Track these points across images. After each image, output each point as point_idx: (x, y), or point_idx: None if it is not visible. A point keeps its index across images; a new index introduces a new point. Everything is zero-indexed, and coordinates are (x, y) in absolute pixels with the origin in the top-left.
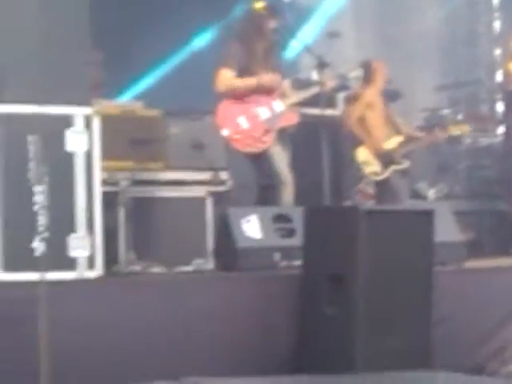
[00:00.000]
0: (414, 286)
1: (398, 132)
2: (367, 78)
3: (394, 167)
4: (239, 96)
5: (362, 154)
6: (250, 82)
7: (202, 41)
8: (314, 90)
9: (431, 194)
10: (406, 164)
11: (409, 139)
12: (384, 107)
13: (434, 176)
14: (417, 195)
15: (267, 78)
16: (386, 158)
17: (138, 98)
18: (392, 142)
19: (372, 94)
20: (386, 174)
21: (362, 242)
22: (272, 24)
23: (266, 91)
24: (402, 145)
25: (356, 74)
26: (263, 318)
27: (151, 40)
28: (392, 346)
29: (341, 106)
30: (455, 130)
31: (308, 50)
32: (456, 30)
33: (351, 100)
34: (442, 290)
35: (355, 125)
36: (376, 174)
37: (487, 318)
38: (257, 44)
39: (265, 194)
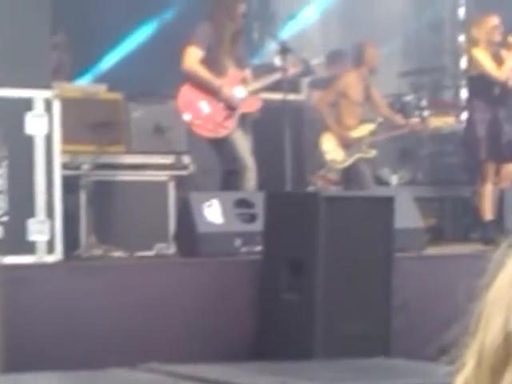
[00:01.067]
0: (373, 272)
1: (378, 113)
2: (355, 62)
3: (358, 155)
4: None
5: (327, 140)
6: (212, 81)
7: (165, 20)
8: (276, 76)
9: (394, 180)
10: (371, 153)
11: (385, 126)
12: (364, 91)
13: (396, 162)
14: (379, 181)
15: (228, 91)
16: (353, 146)
17: (100, 79)
18: (361, 130)
19: (350, 82)
20: (349, 162)
21: (322, 228)
22: (242, 8)
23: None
24: (372, 133)
25: (318, 61)
26: (223, 303)
27: (112, 19)
28: (351, 332)
29: (305, 90)
30: (437, 122)
31: (271, 35)
32: (421, 15)
33: (315, 85)
34: (402, 277)
35: (325, 107)
36: (337, 161)
37: (447, 305)
38: (227, 27)
39: (227, 178)
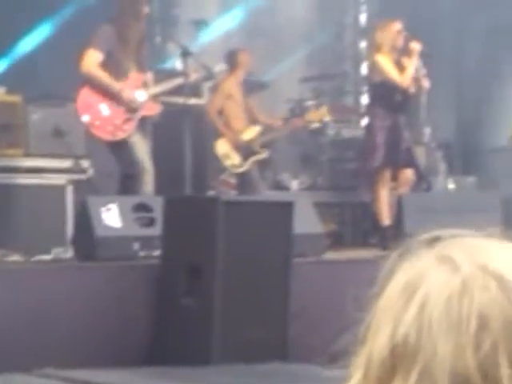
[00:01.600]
0: (272, 277)
1: (256, 122)
2: (230, 67)
3: (253, 158)
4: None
5: (222, 146)
6: (111, 85)
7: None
8: (178, 80)
9: (294, 185)
10: (264, 154)
11: (268, 129)
12: (243, 97)
13: (297, 167)
14: (280, 186)
15: (128, 95)
16: (246, 150)
17: None
18: (250, 133)
19: (231, 85)
20: (247, 166)
21: (221, 233)
22: (147, 9)
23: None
24: (260, 134)
25: (220, 67)
26: (121, 308)
27: (6, 18)
28: (249, 338)
29: (206, 95)
30: (313, 116)
31: (172, 39)
32: (323, 22)
33: (213, 91)
34: (301, 282)
35: (215, 115)
36: (235, 166)
37: (344, 311)
38: (132, 29)
39: (125, 182)
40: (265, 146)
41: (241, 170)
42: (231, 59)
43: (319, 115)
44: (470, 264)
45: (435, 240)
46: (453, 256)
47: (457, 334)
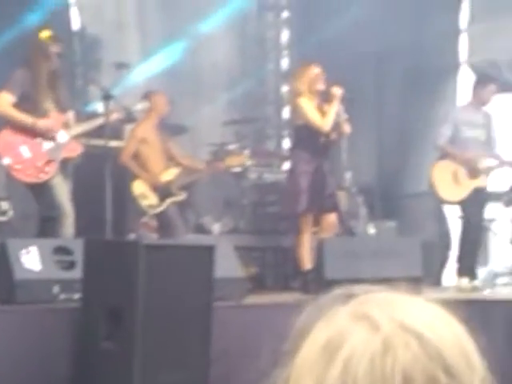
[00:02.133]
0: (193, 321)
1: (176, 164)
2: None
3: (170, 199)
4: (18, 126)
5: (138, 186)
6: (25, 119)
7: None
8: (98, 121)
9: (216, 228)
10: (182, 196)
11: (187, 171)
12: (161, 140)
13: (219, 211)
14: (201, 229)
15: (43, 123)
16: (163, 191)
17: None
18: (168, 175)
19: (146, 129)
20: (163, 207)
21: (142, 277)
22: (56, 49)
23: (41, 133)
24: (178, 177)
25: (141, 106)
26: (41, 352)
27: None
28: (170, 381)
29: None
30: (234, 161)
31: (94, 82)
32: (245, 65)
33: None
34: (222, 325)
35: (129, 159)
36: (152, 206)
37: (267, 355)
38: (42, 68)
39: (46, 225)
40: (184, 188)
41: (157, 210)
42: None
43: (240, 160)
44: (389, 322)
45: (349, 296)
46: (370, 314)
47: None
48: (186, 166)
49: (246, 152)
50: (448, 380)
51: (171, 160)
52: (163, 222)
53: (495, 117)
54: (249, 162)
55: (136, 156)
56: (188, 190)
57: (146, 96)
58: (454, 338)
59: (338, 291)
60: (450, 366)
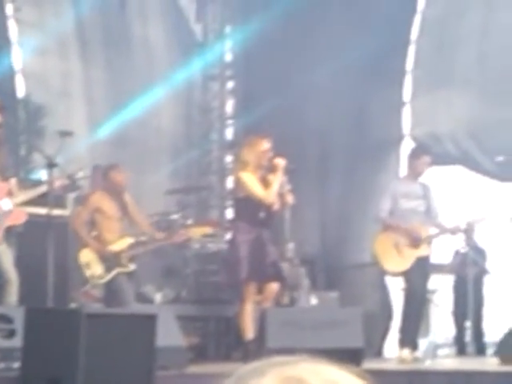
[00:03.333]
0: None
1: (138, 229)
2: (103, 181)
3: (118, 270)
4: None
5: (85, 255)
6: None
7: None
8: (42, 188)
9: (158, 297)
10: (131, 267)
11: (140, 241)
12: (118, 207)
13: (161, 280)
14: (143, 298)
15: None
16: (112, 261)
17: None
18: (120, 244)
19: (100, 198)
20: (109, 277)
21: (83, 345)
22: (0, 116)
23: None
24: (130, 247)
25: (83, 174)
26: None
27: None
28: None
29: (70, 206)
30: (197, 232)
31: (37, 148)
32: (190, 133)
33: (80, 202)
34: None
35: (80, 226)
36: (97, 276)
37: None
38: None
39: None
40: (132, 258)
41: (101, 281)
42: (101, 175)
43: (203, 230)
44: (319, 381)
45: (276, 364)
46: (300, 375)
47: None
48: (145, 232)
49: (211, 223)
50: None
51: (133, 225)
52: (110, 292)
53: (434, 188)
54: (210, 233)
55: (90, 224)
56: (134, 258)
57: (101, 170)
58: None
59: (254, 364)
60: None
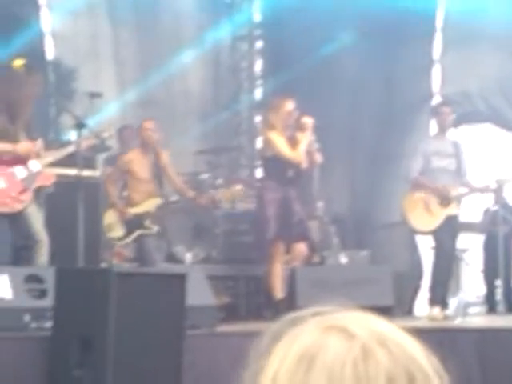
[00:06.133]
0: (165, 349)
1: (171, 187)
2: (125, 142)
3: (139, 232)
4: None
5: (108, 217)
6: (5, 147)
7: None
8: (69, 149)
9: (188, 257)
10: (153, 229)
11: (170, 201)
12: (151, 165)
13: (191, 240)
14: (174, 259)
15: (23, 147)
16: (133, 223)
17: None
18: (146, 206)
19: (132, 158)
20: (129, 239)
21: (113, 304)
22: (32, 81)
23: (22, 158)
24: (158, 208)
25: (108, 133)
26: (12, 381)
27: None
28: None
29: (100, 167)
30: (225, 195)
31: (67, 110)
32: (218, 95)
33: (110, 162)
34: (194, 354)
35: (110, 186)
36: (117, 238)
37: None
38: (18, 105)
39: (19, 253)
40: (161, 219)
41: (122, 242)
42: (139, 135)
43: (232, 195)
44: (362, 330)
45: (315, 315)
46: (341, 325)
47: None
48: (179, 190)
49: (238, 187)
50: (423, 380)
51: (167, 183)
52: (138, 253)
53: (465, 146)
54: (240, 198)
55: (124, 184)
56: (160, 219)
57: (137, 129)
58: (417, 344)
59: (301, 313)
60: (424, 367)
